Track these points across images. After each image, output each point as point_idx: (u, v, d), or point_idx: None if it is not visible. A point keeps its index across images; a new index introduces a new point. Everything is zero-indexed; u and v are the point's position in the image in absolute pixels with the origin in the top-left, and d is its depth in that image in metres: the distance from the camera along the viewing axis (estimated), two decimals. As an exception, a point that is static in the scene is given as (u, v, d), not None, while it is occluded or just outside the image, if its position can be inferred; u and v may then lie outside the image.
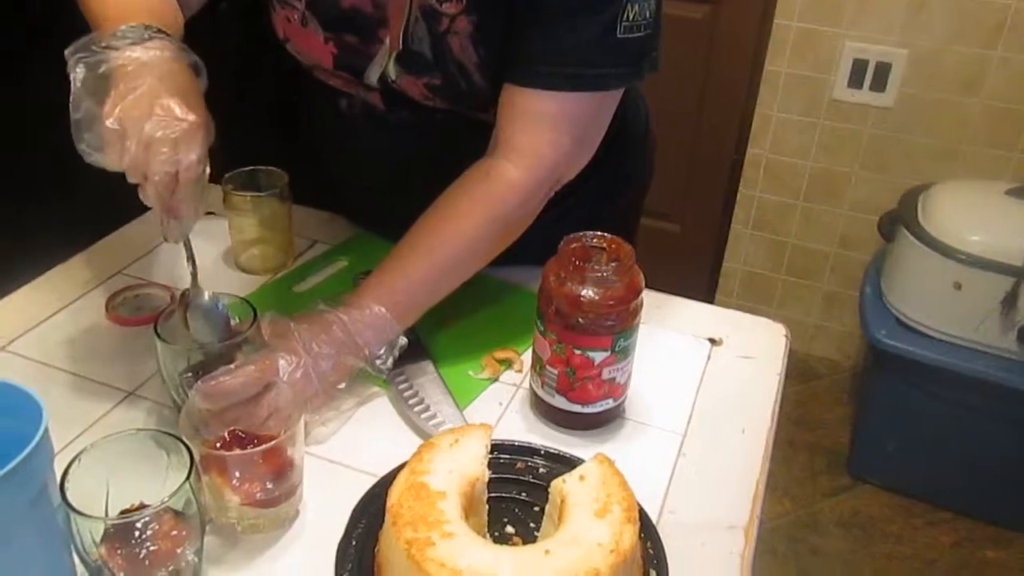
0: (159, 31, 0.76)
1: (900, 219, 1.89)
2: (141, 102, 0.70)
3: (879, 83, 2.08)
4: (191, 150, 0.71)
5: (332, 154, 1.11)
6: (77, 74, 0.72)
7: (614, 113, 0.92)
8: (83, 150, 0.72)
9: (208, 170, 0.75)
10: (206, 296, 0.82)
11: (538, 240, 0.89)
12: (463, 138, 0.94)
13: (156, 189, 0.71)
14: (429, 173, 0.89)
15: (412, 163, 1.01)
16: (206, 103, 0.76)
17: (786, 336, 1.00)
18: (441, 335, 0.95)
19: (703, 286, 2.51)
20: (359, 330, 0.81)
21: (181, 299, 0.82)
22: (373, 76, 0.94)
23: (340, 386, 0.82)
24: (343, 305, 0.83)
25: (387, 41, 0.91)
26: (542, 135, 0.86)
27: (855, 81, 2.10)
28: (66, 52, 0.73)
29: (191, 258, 0.81)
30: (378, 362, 0.83)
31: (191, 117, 0.71)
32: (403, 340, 0.85)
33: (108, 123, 0.69)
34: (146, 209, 0.86)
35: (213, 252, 1.10)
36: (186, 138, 0.70)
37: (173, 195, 0.72)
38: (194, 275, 0.81)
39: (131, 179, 0.72)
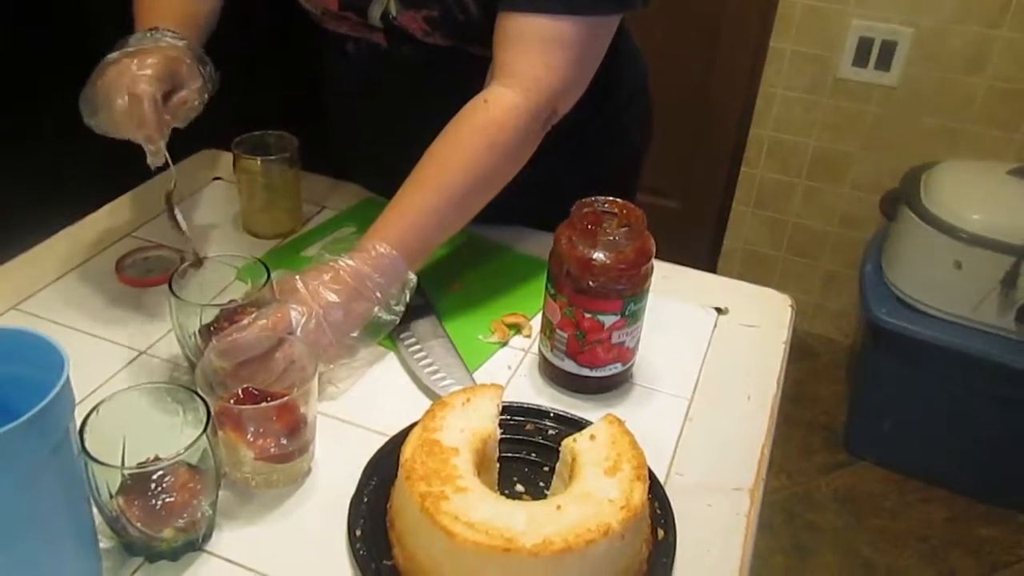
0: (172, 33, 0.89)
1: (902, 198, 1.90)
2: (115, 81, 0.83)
3: (884, 62, 2.07)
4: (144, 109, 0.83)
5: (340, 101, 1.12)
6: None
7: (611, 59, 0.93)
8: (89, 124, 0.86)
9: (197, 97, 0.88)
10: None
11: (536, 196, 0.89)
12: (466, 75, 0.93)
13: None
14: (433, 112, 0.89)
15: (416, 102, 1.02)
16: (220, 70, 0.91)
17: (791, 306, 1.01)
18: (450, 300, 0.96)
19: (704, 263, 2.51)
20: (367, 273, 0.80)
21: (167, 198, 0.90)
22: (376, 14, 0.96)
23: (353, 334, 0.81)
24: (349, 250, 0.83)
25: None
26: (537, 58, 0.87)
27: (860, 60, 2.09)
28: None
29: (168, 164, 0.88)
30: (392, 303, 0.82)
31: (141, 87, 0.82)
32: (413, 279, 0.84)
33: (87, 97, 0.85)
34: (154, 173, 0.89)
35: (223, 216, 1.11)
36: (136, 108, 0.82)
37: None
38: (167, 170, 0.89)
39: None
